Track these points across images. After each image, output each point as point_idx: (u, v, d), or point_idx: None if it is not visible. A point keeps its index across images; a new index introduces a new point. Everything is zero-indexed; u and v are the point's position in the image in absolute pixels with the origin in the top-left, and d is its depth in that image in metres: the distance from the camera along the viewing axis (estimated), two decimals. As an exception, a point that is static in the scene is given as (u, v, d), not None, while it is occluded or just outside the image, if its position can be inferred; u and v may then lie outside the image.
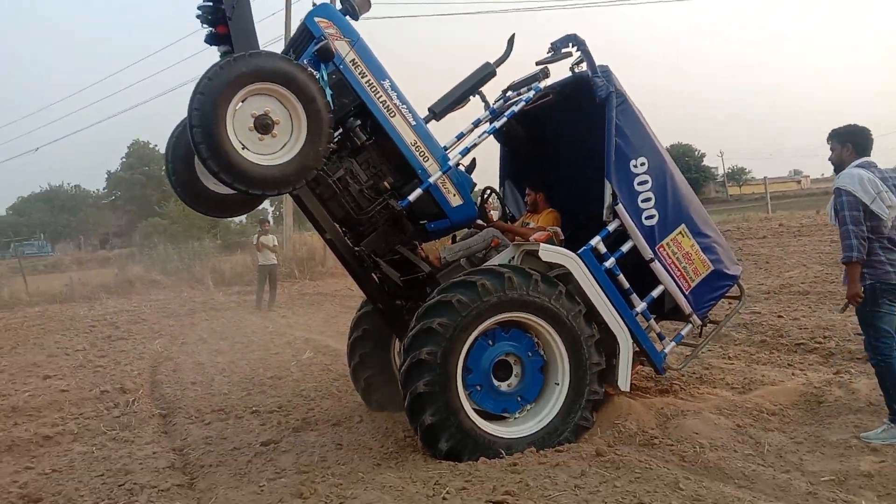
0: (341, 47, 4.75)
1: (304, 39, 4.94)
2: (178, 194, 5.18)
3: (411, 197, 4.93)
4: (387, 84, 4.89)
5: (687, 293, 5.28)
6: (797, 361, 6.72)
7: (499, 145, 6.65)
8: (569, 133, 6.11)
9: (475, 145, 5.25)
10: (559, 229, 5.55)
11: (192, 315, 14.35)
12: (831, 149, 4.67)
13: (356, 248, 5.08)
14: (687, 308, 5.31)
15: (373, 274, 5.26)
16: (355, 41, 4.83)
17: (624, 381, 4.98)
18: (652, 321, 5.35)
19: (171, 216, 36.78)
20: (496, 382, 4.78)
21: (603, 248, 5.04)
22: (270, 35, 27.69)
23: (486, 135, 5.28)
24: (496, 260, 5.19)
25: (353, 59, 4.81)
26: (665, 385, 6.15)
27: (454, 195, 5.10)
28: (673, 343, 5.45)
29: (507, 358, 4.82)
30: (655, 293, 5.22)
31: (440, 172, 4.98)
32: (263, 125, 4.24)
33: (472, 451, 4.46)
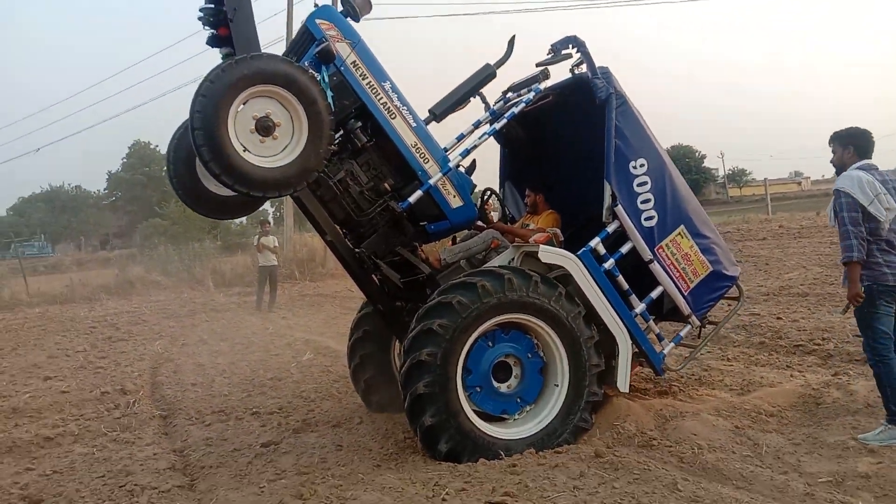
0: (342, 49, 4.77)
1: (305, 41, 4.96)
2: (179, 196, 5.20)
3: (412, 198, 4.95)
4: (387, 86, 4.92)
5: (686, 294, 5.30)
6: (796, 363, 6.74)
7: (499, 146, 6.67)
8: (568, 134, 6.13)
9: (475, 147, 5.27)
10: (559, 231, 5.56)
11: (193, 316, 14.37)
12: (833, 151, 4.69)
13: (357, 250, 5.10)
14: (686, 309, 5.33)
15: (373, 275, 5.28)
16: (356, 43, 4.85)
17: (623, 382, 5.00)
18: (651, 322, 5.37)
19: (172, 217, 36.74)
20: (496, 384, 4.79)
21: (602, 250, 5.06)
22: (272, 35, 27.77)
23: (486, 136, 5.30)
24: (496, 261, 5.21)
25: (354, 61, 4.83)
26: (664, 387, 6.17)
27: (454, 197, 5.12)
28: (672, 344, 5.47)
29: (506, 359, 4.83)
30: (654, 294, 5.24)
31: (440, 174, 5.00)
32: (265, 127, 4.26)
33: (471, 453, 4.48)
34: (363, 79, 4.85)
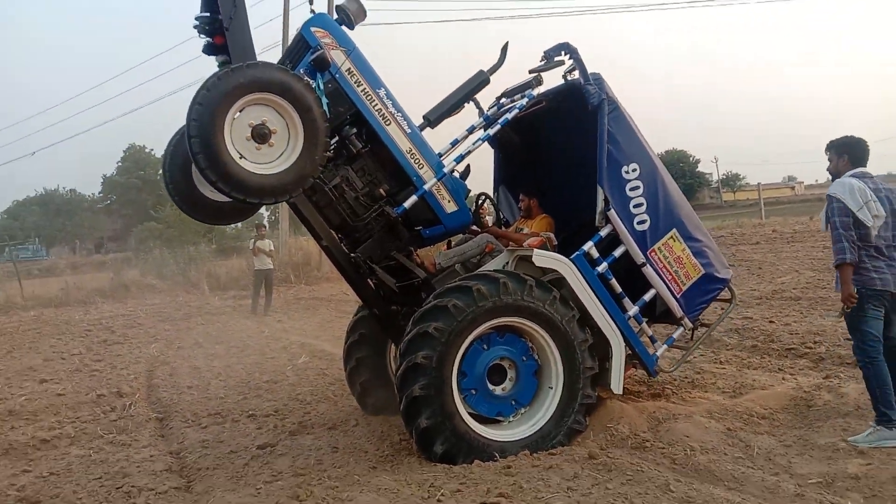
0: (337, 57, 4.82)
1: (300, 49, 5.01)
2: (175, 202, 5.23)
3: (407, 204, 5.00)
4: (382, 92, 4.97)
5: (678, 297, 5.36)
6: (788, 366, 6.80)
7: (493, 151, 6.72)
8: (561, 141, 6.19)
9: (469, 152, 5.33)
10: (552, 235, 5.61)
11: (188, 319, 14.38)
12: (829, 159, 4.81)
13: (352, 255, 5.14)
14: (678, 311, 5.38)
15: (369, 280, 5.32)
16: (351, 50, 4.91)
17: (617, 384, 5.05)
18: (644, 325, 5.43)
19: (167, 221, 36.71)
20: (491, 386, 4.83)
21: (595, 253, 5.12)
22: (268, 41, 27.79)
23: (480, 142, 5.36)
24: (491, 265, 5.25)
25: (349, 68, 4.88)
26: (657, 389, 6.22)
27: (449, 201, 5.17)
28: (665, 346, 5.52)
29: (501, 362, 4.87)
30: (647, 297, 5.30)
31: (435, 179, 5.05)
32: (261, 134, 4.30)
33: (466, 454, 4.52)
34: (358, 86, 4.90)
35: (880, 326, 4.58)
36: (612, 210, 5.09)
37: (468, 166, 5.50)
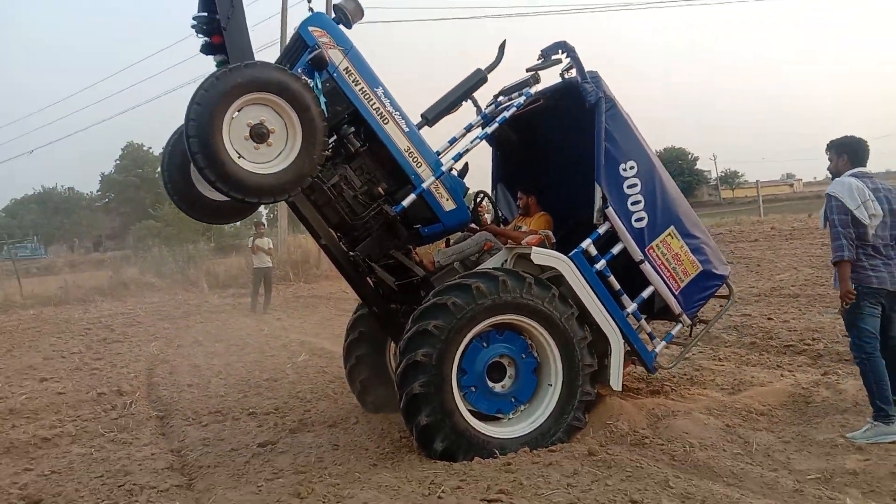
0: (335, 56, 4.82)
1: (298, 48, 5.01)
2: (174, 201, 5.24)
3: (405, 202, 5.01)
4: (380, 91, 4.97)
5: (676, 293, 5.38)
6: (786, 363, 6.83)
7: (491, 149, 6.73)
8: (558, 139, 6.20)
9: (467, 150, 5.34)
10: (550, 233, 5.63)
11: (187, 318, 14.38)
12: (829, 158, 4.86)
13: (351, 253, 5.15)
14: (677, 308, 5.41)
15: (368, 278, 5.33)
16: (349, 49, 4.91)
17: (616, 380, 5.07)
18: (643, 321, 5.45)
19: (166, 219, 36.68)
20: (490, 384, 4.85)
21: (594, 251, 5.13)
22: (266, 39, 27.76)
23: (478, 140, 5.37)
24: (489, 263, 5.27)
25: (347, 68, 4.88)
26: (656, 386, 6.25)
27: (447, 200, 5.18)
28: (663, 343, 5.54)
29: (501, 360, 4.89)
30: (646, 294, 5.32)
31: (433, 178, 5.06)
32: (259, 134, 4.31)
33: (466, 451, 4.54)
34: (356, 85, 4.91)
35: (877, 324, 4.62)
36: (610, 207, 5.11)
37: (466, 164, 5.51)
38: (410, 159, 5.06)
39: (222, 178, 4.16)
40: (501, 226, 6.22)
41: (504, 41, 5.68)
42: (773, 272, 12.88)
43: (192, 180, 5.07)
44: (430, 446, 4.56)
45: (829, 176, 4.90)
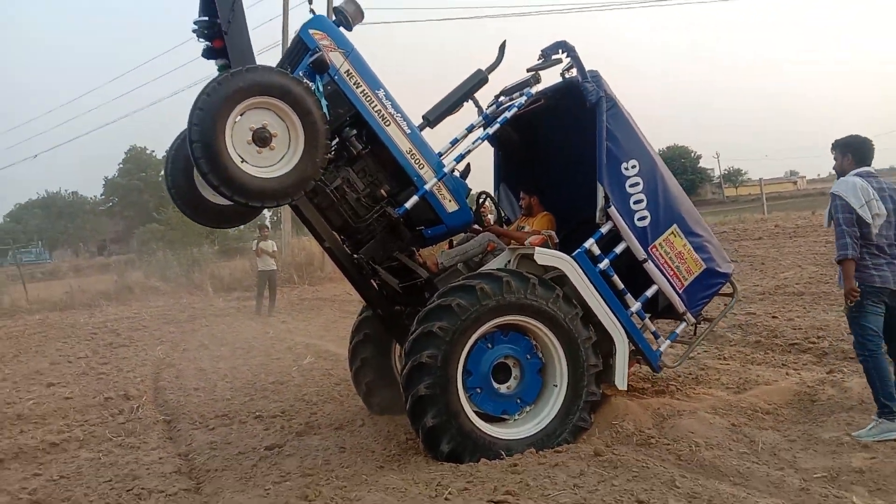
0: (336, 58, 4.83)
1: (299, 51, 5.02)
2: (177, 206, 5.26)
3: (408, 204, 5.02)
4: (381, 93, 4.98)
5: (680, 292, 5.38)
6: (791, 361, 6.82)
7: (493, 149, 6.74)
8: (558, 139, 6.21)
9: (469, 151, 5.35)
10: (553, 233, 5.63)
11: (193, 321, 14.42)
12: (834, 158, 4.88)
13: (355, 256, 5.16)
14: (681, 307, 5.40)
15: (372, 280, 5.35)
16: (349, 52, 4.92)
17: (621, 380, 5.07)
18: (647, 320, 5.45)
19: (169, 222, 36.75)
20: (496, 385, 4.86)
21: (597, 250, 5.13)
22: (268, 41, 27.80)
23: (479, 141, 5.37)
24: (493, 264, 5.27)
25: (348, 70, 4.89)
26: (661, 386, 6.25)
27: (450, 201, 5.19)
28: (668, 341, 5.54)
29: (506, 360, 4.90)
30: (649, 293, 5.32)
31: (435, 179, 5.07)
32: (262, 138, 4.33)
33: (472, 453, 4.55)
34: (357, 87, 4.92)
35: (879, 322, 4.65)
36: (613, 207, 5.11)
37: (468, 165, 5.52)
38: (412, 161, 5.07)
39: (225, 182, 4.17)
40: (504, 226, 6.22)
41: (504, 41, 5.69)
42: (777, 270, 12.85)
43: (195, 185, 5.09)
44: (436, 448, 4.57)
45: (833, 173, 4.92)
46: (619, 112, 5.27)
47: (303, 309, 15.16)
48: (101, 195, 63.52)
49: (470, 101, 5.74)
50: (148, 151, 59.14)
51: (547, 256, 5.03)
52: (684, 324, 5.54)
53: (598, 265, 5.10)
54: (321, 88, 4.63)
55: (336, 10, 5.13)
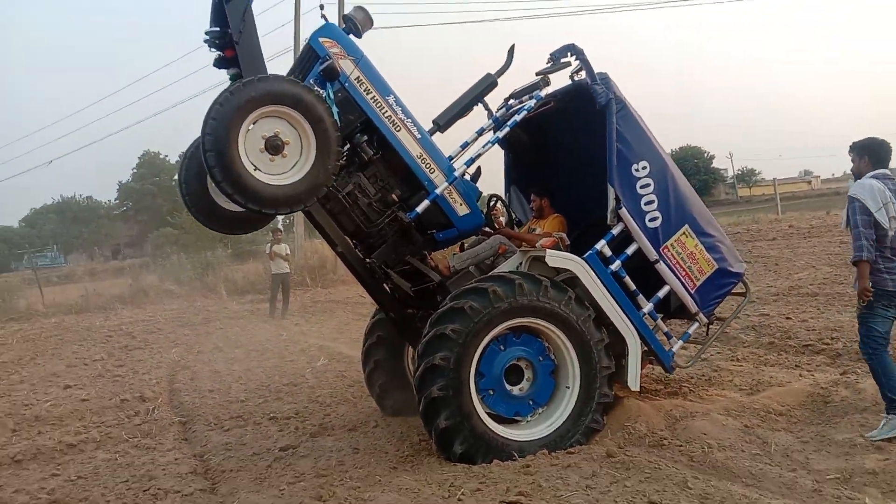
0: (346, 66, 4.87)
1: (309, 59, 5.07)
2: (191, 213, 5.33)
3: (419, 208, 5.06)
4: (391, 99, 5.02)
5: (692, 292, 5.38)
6: (805, 363, 6.79)
7: (503, 152, 6.76)
8: (568, 142, 6.22)
9: (479, 155, 5.38)
10: (564, 234, 5.65)
11: (207, 324, 14.51)
12: (851, 160, 4.90)
13: (367, 260, 5.20)
14: (693, 307, 5.41)
15: (384, 284, 5.38)
16: (359, 59, 4.96)
17: (634, 380, 5.08)
18: (659, 321, 5.46)
19: (183, 226, 36.96)
20: (508, 386, 4.88)
21: (608, 252, 5.15)
22: (279, 47, 27.90)
23: (489, 145, 5.40)
24: (504, 266, 5.30)
25: (358, 77, 4.93)
26: (674, 387, 6.24)
27: (461, 204, 5.22)
28: (680, 342, 5.54)
29: (518, 362, 4.92)
30: (661, 293, 5.33)
31: (446, 183, 5.10)
32: (274, 146, 4.38)
33: (485, 454, 4.58)
34: (367, 94, 4.96)
35: (888, 326, 4.68)
36: (624, 208, 5.12)
37: (479, 168, 5.55)
38: (423, 165, 5.10)
39: (239, 190, 4.23)
40: (515, 228, 6.25)
41: (513, 45, 5.73)
42: (791, 271, 12.75)
43: (209, 191, 5.15)
44: (449, 449, 4.60)
45: (847, 172, 4.95)
46: (629, 114, 5.28)
47: (316, 311, 15.22)
48: (116, 200, 64.13)
49: (480, 105, 5.78)
50: (161, 156, 59.62)
51: (558, 258, 5.05)
52: (697, 324, 5.54)
53: (610, 267, 5.11)
54: (332, 96, 4.67)
55: (345, 18, 5.17)
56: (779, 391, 5.76)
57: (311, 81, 4.73)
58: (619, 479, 4.10)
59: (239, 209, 4.60)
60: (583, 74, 5.31)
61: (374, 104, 4.97)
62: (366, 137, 5.08)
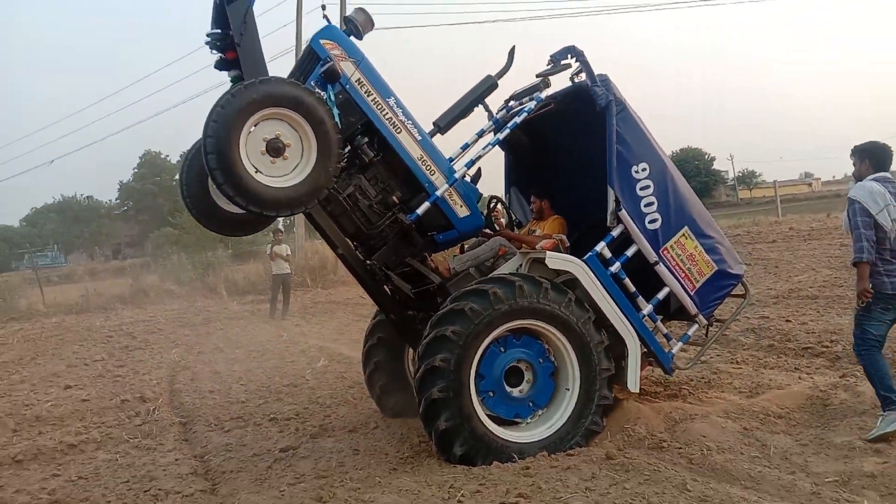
0: (347, 68, 4.88)
1: (310, 61, 5.08)
2: (192, 214, 5.33)
3: (420, 210, 5.07)
4: (392, 101, 5.03)
5: (692, 294, 5.39)
6: (804, 365, 6.79)
7: (503, 153, 6.77)
8: (567, 143, 6.22)
9: (480, 156, 5.39)
10: (564, 236, 5.66)
11: (207, 324, 14.52)
12: (853, 164, 4.93)
13: (368, 262, 5.21)
14: (692, 309, 5.41)
15: (385, 286, 5.39)
16: (360, 61, 4.97)
17: (633, 382, 5.09)
18: (659, 323, 5.47)
19: (184, 226, 36.97)
20: (508, 388, 4.89)
21: (608, 254, 5.15)
22: (282, 47, 27.88)
23: (490, 147, 5.41)
24: (504, 268, 5.30)
25: (359, 79, 4.94)
26: (674, 390, 6.25)
27: (461, 206, 5.24)
28: (680, 344, 5.54)
29: (518, 364, 4.93)
30: (661, 295, 5.33)
31: (447, 185, 5.11)
32: (275, 148, 4.39)
33: (485, 456, 4.58)
34: (368, 96, 4.97)
35: (883, 330, 4.72)
36: (624, 210, 5.13)
37: (479, 170, 5.57)
38: (424, 167, 5.11)
39: (240, 192, 4.25)
40: (516, 230, 6.25)
41: (513, 47, 5.73)
42: (791, 273, 12.75)
43: (210, 193, 5.16)
44: (449, 451, 4.61)
45: (848, 174, 4.98)
46: (629, 115, 5.29)
47: (316, 312, 15.23)
48: (116, 199, 64.22)
49: (480, 107, 5.79)
50: (162, 156, 59.69)
51: (558, 260, 5.06)
52: (696, 326, 5.55)
53: (610, 268, 5.12)
54: (333, 98, 4.69)
55: (346, 20, 5.19)
56: (778, 394, 5.77)
57: (312, 83, 4.74)
58: (618, 481, 4.10)
59: (240, 211, 4.61)
60: (583, 76, 5.32)
61: (374, 106, 4.98)
62: (366, 139, 5.09)
